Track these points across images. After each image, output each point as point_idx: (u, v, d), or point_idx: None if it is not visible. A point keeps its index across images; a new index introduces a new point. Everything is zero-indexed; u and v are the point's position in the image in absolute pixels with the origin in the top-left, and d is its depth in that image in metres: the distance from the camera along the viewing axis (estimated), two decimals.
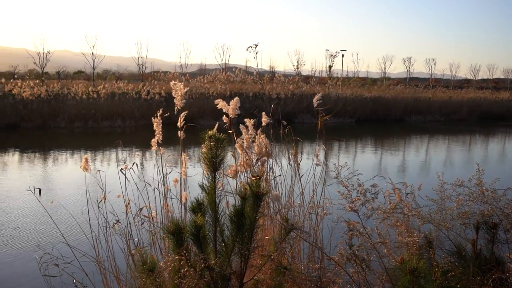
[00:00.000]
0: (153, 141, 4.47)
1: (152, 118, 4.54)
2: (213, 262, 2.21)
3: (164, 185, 4.52)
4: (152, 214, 4.30)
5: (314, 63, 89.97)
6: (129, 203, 4.31)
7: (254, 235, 2.37)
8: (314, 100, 5.07)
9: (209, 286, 2.22)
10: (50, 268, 3.97)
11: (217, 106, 4.56)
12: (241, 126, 4.44)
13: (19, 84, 28.87)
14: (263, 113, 5.00)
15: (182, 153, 4.56)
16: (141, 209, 4.31)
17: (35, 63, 39.26)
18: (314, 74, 54.56)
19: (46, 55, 38.33)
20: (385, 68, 55.32)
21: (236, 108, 4.53)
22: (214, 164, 2.34)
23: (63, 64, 50.18)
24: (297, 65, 48.78)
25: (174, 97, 4.30)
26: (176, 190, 4.55)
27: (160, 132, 4.46)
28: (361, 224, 2.90)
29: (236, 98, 4.64)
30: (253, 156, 4.53)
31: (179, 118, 4.53)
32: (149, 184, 4.53)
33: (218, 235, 2.36)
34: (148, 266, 2.20)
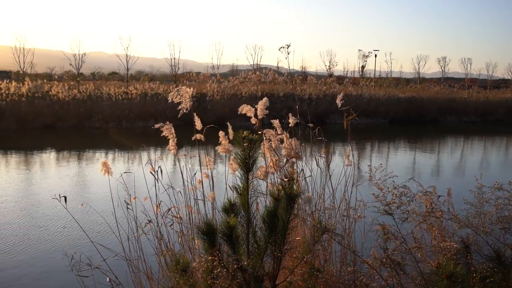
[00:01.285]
0: (172, 144, 4.47)
1: (160, 123, 4.49)
2: (246, 263, 2.21)
3: (191, 186, 4.53)
4: (180, 214, 4.33)
5: (346, 63, 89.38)
6: (159, 204, 4.34)
7: (287, 236, 2.35)
8: (337, 101, 5.02)
9: (241, 287, 2.21)
10: (83, 269, 4.03)
11: (242, 111, 4.55)
12: (266, 130, 4.39)
13: (56, 85, 29.61)
14: (290, 113, 4.97)
15: (205, 155, 4.59)
16: (169, 210, 4.34)
17: (71, 64, 40.16)
18: (346, 74, 54.09)
19: (82, 57, 39.16)
20: (419, 68, 54.28)
21: (265, 109, 4.51)
22: (247, 165, 2.33)
23: (98, 66, 51.28)
24: (329, 66, 48.42)
25: (180, 101, 4.24)
26: (202, 191, 4.56)
27: (174, 136, 4.44)
28: (396, 227, 2.85)
29: (265, 99, 4.62)
30: (283, 158, 4.50)
31: (196, 120, 4.52)
32: (171, 187, 4.55)
33: (250, 236, 2.35)
34: (181, 266, 2.20)
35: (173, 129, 4.38)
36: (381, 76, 54.55)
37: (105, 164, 4.25)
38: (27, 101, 26.74)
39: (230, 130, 4.64)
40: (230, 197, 2.48)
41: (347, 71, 54.65)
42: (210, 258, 2.18)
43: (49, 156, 18.53)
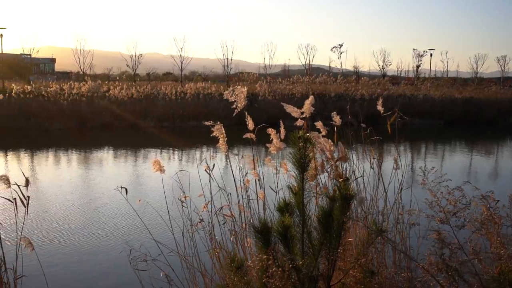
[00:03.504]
0: (222, 144, 4.53)
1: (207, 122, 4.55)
2: (300, 263, 2.22)
3: (242, 185, 4.58)
4: (232, 213, 4.39)
5: (400, 62, 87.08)
6: (207, 204, 4.41)
7: (342, 237, 2.34)
8: (378, 106, 4.95)
9: (295, 287, 2.23)
10: (139, 263, 4.17)
11: (286, 110, 4.55)
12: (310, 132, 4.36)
13: (114, 86, 30.67)
14: (335, 113, 4.92)
15: (256, 154, 4.62)
16: (221, 208, 4.41)
17: (127, 65, 41.48)
18: (400, 74, 52.82)
19: (138, 58, 40.35)
20: (476, 68, 52.25)
21: (316, 109, 4.50)
22: (302, 165, 2.35)
23: (153, 66, 52.58)
24: (382, 65, 47.49)
25: (235, 100, 4.28)
26: (256, 189, 4.60)
27: (224, 136, 4.49)
28: (452, 233, 2.77)
29: (311, 97, 4.61)
30: (329, 159, 4.47)
31: (248, 120, 4.55)
32: (220, 187, 4.62)
33: (305, 236, 2.36)
34: (236, 264, 2.24)
35: (223, 128, 4.45)
36: (437, 76, 52.91)
37: (157, 162, 4.37)
38: (87, 101, 27.85)
39: (282, 129, 4.67)
40: (284, 197, 2.50)
41: (401, 71, 53.35)
42: (264, 257, 2.20)
43: (107, 154, 19.22)
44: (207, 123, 4.41)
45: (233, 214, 4.41)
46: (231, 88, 4.37)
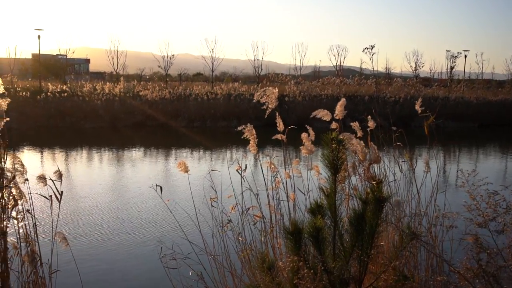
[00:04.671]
0: (252, 145, 4.53)
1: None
2: (332, 265, 2.20)
3: (272, 186, 4.58)
4: (261, 213, 4.39)
5: (433, 64, 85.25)
6: (236, 204, 4.42)
7: (375, 240, 2.31)
8: (416, 107, 4.86)
9: None
10: (169, 261, 4.21)
11: (317, 115, 4.52)
12: (344, 134, 4.32)
13: (147, 86, 31.13)
14: (369, 116, 4.87)
15: (286, 155, 4.60)
16: (248, 209, 4.42)
17: (159, 66, 41.96)
18: (433, 76, 51.77)
19: (170, 59, 40.76)
20: None
21: (347, 111, 4.47)
22: (335, 166, 2.32)
23: (184, 67, 53.06)
24: (415, 67, 46.66)
25: (266, 101, 4.30)
26: (286, 190, 4.59)
27: (255, 137, 4.49)
28: (490, 238, 2.69)
29: (343, 100, 4.59)
30: (362, 162, 4.42)
31: (278, 121, 4.55)
32: (249, 188, 4.62)
33: (337, 238, 2.34)
34: (267, 264, 2.23)
35: (254, 130, 4.46)
36: (471, 78, 51.67)
37: (182, 163, 4.41)
38: (120, 101, 28.35)
39: (311, 131, 4.66)
40: (316, 198, 2.48)
41: (434, 72, 52.24)
42: (296, 258, 2.19)
43: (138, 153, 19.51)
44: (238, 128, 4.44)
45: (263, 215, 4.41)
46: (261, 89, 4.39)
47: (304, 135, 4.56)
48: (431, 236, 4.07)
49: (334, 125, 4.56)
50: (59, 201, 3.80)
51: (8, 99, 3.89)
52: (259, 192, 4.62)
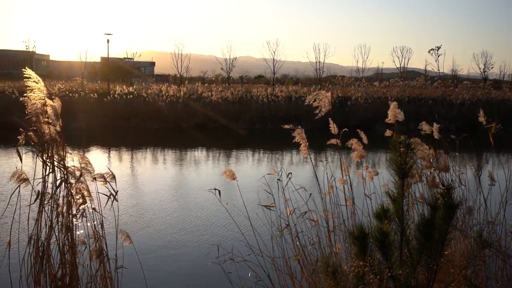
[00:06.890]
0: (303, 148, 4.52)
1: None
2: (399, 272, 2.14)
3: (327, 190, 4.55)
4: (318, 218, 4.36)
5: (503, 65, 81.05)
6: (294, 210, 4.40)
7: (444, 248, 2.22)
8: (481, 118, 4.67)
9: None
10: (227, 262, 4.26)
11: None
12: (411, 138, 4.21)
13: (211, 87, 31.76)
14: (423, 122, 4.73)
15: (343, 159, 4.56)
16: (305, 212, 4.40)
17: (222, 68, 42.68)
18: (503, 78, 49.27)
19: (232, 61, 41.35)
20: None
21: (395, 113, 4.37)
22: (403, 171, 2.26)
23: (246, 69, 53.63)
24: (483, 68, 44.65)
25: (318, 105, 4.30)
26: (344, 195, 4.54)
27: (306, 140, 4.48)
28: None
29: (395, 103, 4.50)
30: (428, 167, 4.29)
31: (331, 125, 4.52)
32: (304, 188, 4.60)
33: (404, 245, 2.27)
34: (332, 269, 2.21)
35: (304, 133, 4.47)
36: None
37: (229, 171, 4.45)
38: (183, 103, 29.06)
39: (363, 135, 4.61)
40: (382, 203, 2.42)
41: (504, 74, 49.70)
42: (361, 263, 2.15)
43: (200, 154, 19.91)
44: (286, 126, 4.47)
45: (319, 219, 4.39)
46: (314, 93, 4.42)
47: (354, 141, 4.52)
48: (506, 247, 3.88)
49: (388, 132, 4.49)
50: (117, 200, 3.96)
51: (59, 101, 3.98)
52: (315, 196, 4.60)
